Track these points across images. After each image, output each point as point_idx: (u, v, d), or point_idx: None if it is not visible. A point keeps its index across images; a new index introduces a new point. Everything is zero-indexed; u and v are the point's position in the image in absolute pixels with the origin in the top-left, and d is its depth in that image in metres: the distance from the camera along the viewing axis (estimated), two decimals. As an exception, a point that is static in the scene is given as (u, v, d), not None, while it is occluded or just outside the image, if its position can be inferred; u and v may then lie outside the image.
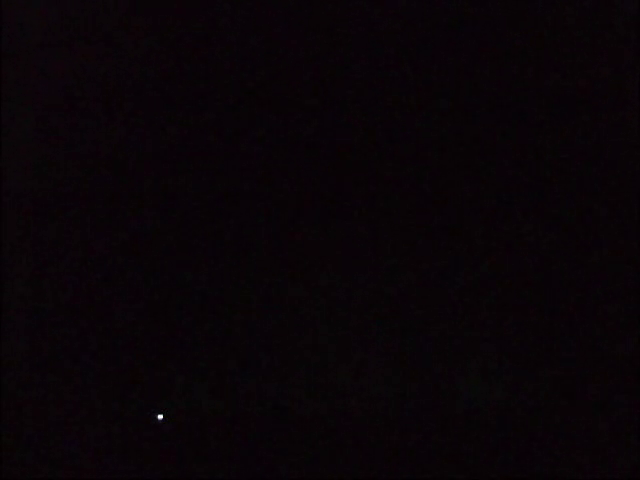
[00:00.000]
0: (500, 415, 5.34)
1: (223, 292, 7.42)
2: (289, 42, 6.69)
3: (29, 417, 5.33)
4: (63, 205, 6.52)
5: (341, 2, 6.42)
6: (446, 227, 7.40)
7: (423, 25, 6.53)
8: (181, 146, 7.05)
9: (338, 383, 6.78)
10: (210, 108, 6.86)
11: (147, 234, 7.23)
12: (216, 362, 7.17)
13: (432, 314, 7.12)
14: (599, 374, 6.07)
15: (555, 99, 6.59)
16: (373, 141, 6.98)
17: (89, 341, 6.60)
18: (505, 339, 6.99)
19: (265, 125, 6.95)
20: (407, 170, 7.04)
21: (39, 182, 6.40)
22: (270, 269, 7.25)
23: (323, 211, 7.29)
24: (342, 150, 7.05)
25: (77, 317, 6.56)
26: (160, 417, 5.22)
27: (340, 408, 5.96)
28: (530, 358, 6.83)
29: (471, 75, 6.66)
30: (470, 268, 7.31)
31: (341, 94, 6.84)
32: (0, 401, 5.53)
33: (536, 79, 6.63)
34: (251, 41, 6.61)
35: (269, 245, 7.35)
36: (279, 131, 6.96)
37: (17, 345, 5.94)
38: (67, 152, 6.49)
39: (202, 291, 7.20)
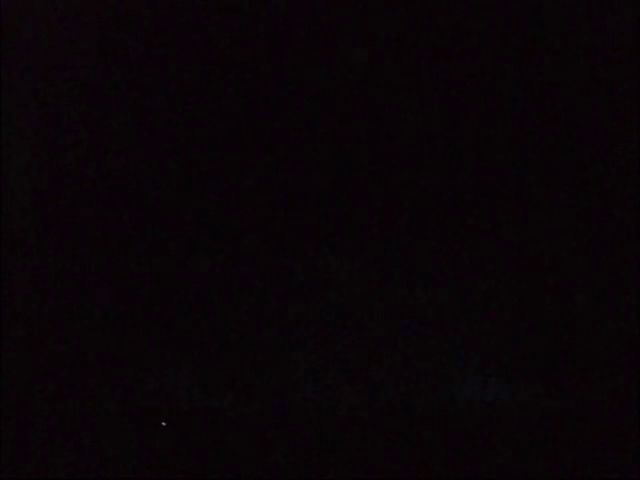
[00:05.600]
0: (501, 415, 5.36)
1: (225, 292, 7.48)
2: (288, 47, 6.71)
3: (28, 417, 5.34)
4: (63, 205, 6.55)
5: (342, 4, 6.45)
6: (447, 227, 7.43)
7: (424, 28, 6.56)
8: (182, 148, 7.08)
9: (338, 381, 6.81)
10: (208, 116, 6.89)
11: (152, 236, 7.28)
12: (217, 361, 7.20)
13: (433, 313, 7.16)
14: (599, 374, 6.08)
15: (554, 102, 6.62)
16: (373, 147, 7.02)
17: (89, 339, 6.62)
18: (505, 339, 7.01)
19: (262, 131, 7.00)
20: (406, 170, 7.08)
21: (39, 182, 6.42)
22: (271, 268, 7.31)
23: (323, 213, 7.33)
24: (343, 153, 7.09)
25: (77, 317, 6.59)
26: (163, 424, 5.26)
27: (339, 407, 5.98)
28: (531, 358, 6.85)
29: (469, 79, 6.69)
30: (471, 268, 7.35)
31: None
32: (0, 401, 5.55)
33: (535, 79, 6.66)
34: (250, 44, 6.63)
35: (269, 243, 7.39)
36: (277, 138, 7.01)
37: (17, 344, 5.96)
38: (67, 153, 6.52)
39: (204, 293, 7.26)
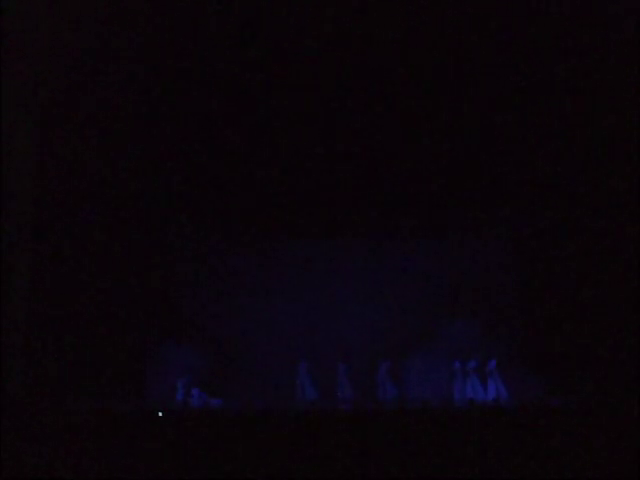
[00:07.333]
0: (500, 414, 5.35)
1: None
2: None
3: (29, 417, 5.33)
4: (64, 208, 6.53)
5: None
6: (447, 228, 7.41)
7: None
8: (182, 150, 7.07)
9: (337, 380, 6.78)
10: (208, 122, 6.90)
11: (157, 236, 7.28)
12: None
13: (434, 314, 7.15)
14: (599, 374, 6.07)
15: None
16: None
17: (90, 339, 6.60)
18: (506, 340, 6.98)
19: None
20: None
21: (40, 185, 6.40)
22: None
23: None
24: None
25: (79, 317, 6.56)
26: (160, 414, 5.25)
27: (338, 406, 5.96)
28: (531, 359, 6.83)
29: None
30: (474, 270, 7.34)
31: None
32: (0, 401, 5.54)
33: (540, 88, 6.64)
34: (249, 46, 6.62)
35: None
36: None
37: (17, 343, 5.95)
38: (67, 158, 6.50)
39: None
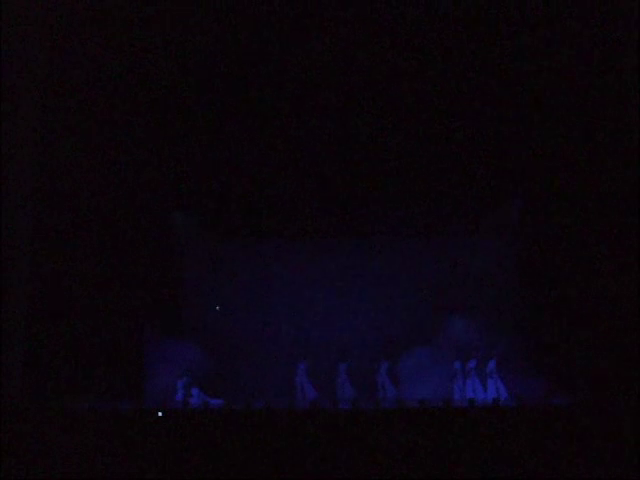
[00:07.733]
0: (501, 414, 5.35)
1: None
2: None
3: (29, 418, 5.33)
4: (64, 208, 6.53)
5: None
6: (448, 227, 7.40)
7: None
8: (183, 149, 7.07)
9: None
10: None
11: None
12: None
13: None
14: (599, 374, 6.07)
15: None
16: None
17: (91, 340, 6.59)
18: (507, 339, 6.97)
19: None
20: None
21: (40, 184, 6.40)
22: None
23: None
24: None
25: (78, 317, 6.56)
26: (160, 414, 5.26)
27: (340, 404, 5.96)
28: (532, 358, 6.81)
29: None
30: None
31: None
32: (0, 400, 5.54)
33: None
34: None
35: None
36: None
37: (18, 344, 5.95)
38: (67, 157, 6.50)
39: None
